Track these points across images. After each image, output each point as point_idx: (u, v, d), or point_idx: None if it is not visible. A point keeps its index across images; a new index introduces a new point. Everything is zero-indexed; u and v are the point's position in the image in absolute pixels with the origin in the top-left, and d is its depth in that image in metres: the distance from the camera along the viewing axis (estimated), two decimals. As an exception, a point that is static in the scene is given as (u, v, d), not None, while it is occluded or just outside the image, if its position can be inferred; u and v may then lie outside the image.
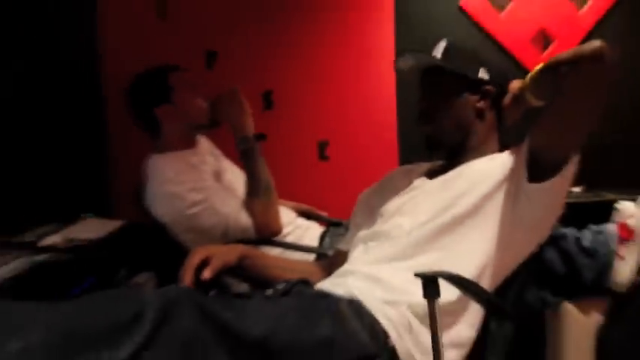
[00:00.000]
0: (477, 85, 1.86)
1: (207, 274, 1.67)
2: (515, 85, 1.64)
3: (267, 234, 2.45)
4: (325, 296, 1.61)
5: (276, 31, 3.40)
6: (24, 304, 1.25)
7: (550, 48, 3.56)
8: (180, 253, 1.86)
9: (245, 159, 2.47)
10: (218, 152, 2.77)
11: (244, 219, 2.41)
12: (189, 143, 2.60)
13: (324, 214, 2.87)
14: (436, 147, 1.90)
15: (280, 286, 1.64)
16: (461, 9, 3.53)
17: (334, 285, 1.69)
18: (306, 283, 1.73)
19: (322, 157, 3.42)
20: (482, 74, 1.87)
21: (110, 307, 1.25)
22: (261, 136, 2.49)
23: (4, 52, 2.75)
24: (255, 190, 2.44)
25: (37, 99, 2.83)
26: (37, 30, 2.90)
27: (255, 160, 2.46)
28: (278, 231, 2.48)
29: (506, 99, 1.69)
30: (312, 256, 2.40)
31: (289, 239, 2.52)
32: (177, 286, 1.45)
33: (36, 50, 2.86)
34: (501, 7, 3.54)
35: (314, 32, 3.41)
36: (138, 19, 3.28)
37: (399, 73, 1.95)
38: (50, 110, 2.94)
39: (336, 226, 2.65)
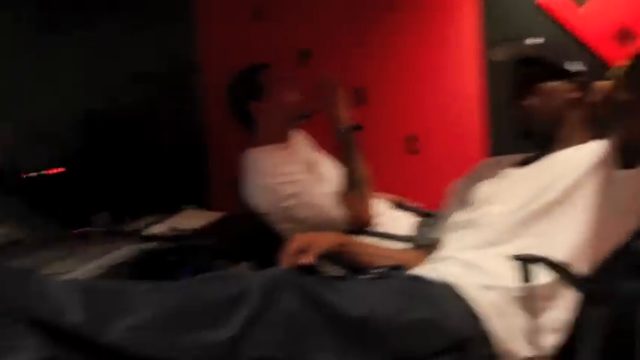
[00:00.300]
0: (570, 77, 1.88)
1: (306, 259, 1.73)
2: (604, 84, 1.65)
3: (359, 225, 2.51)
4: (421, 280, 1.67)
5: (365, 30, 3.46)
6: (136, 284, 1.35)
7: (632, 43, 3.48)
8: (276, 243, 1.93)
9: (341, 150, 2.54)
10: (312, 144, 2.85)
11: (337, 210, 2.48)
12: (284, 137, 2.68)
13: (416, 205, 2.91)
14: (527, 135, 1.92)
15: (376, 271, 1.70)
16: (539, 6, 3.50)
17: (428, 271, 1.74)
18: (401, 269, 1.78)
19: (412, 150, 3.46)
20: (576, 67, 1.89)
21: (216, 289, 1.34)
22: (357, 128, 2.54)
23: (110, 52, 2.88)
24: (349, 182, 2.50)
25: (143, 98, 2.96)
26: (141, 28, 3.04)
27: (352, 151, 2.52)
28: (369, 222, 2.54)
29: (597, 96, 1.71)
30: (403, 246, 2.45)
31: (380, 230, 2.58)
32: (279, 268, 1.53)
33: (140, 48, 2.99)
34: (580, 2, 3.48)
35: (402, 30, 3.45)
36: (235, 19, 3.40)
37: (493, 64, 1.97)
38: (154, 108, 3.08)
39: (427, 216, 2.69)
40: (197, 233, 2.46)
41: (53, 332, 1.17)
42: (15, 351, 1.13)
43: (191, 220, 2.59)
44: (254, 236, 2.64)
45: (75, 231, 2.38)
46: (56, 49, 2.72)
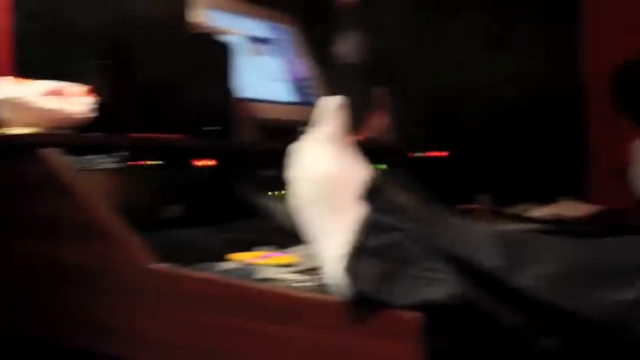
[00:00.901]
0: None
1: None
2: None
3: None
4: None
5: None
6: (547, 237, 1.38)
7: None
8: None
9: None
10: None
11: None
12: None
13: None
14: None
15: None
16: None
17: None
18: None
19: None
20: None
21: (626, 250, 1.32)
22: None
23: (495, 41, 2.96)
24: None
25: (525, 90, 3.00)
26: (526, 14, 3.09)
27: None
28: None
29: None
30: None
31: None
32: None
33: (524, 35, 3.03)
34: None
35: None
36: (624, 10, 3.31)
37: None
38: (536, 100, 3.10)
39: None
40: (578, 221, 2.45)
41: (468, 272, 1.23)
42: (436, 283, 1.21)
43: (571, 209, 2.58)
44: (630, 230, 2.58)
45: (460, 207, 2.49)
46: (440, 38, 2.87)
